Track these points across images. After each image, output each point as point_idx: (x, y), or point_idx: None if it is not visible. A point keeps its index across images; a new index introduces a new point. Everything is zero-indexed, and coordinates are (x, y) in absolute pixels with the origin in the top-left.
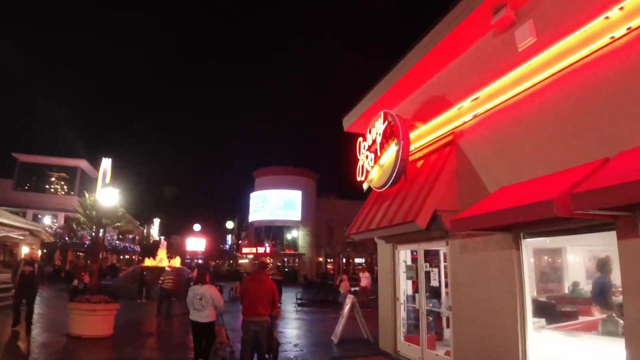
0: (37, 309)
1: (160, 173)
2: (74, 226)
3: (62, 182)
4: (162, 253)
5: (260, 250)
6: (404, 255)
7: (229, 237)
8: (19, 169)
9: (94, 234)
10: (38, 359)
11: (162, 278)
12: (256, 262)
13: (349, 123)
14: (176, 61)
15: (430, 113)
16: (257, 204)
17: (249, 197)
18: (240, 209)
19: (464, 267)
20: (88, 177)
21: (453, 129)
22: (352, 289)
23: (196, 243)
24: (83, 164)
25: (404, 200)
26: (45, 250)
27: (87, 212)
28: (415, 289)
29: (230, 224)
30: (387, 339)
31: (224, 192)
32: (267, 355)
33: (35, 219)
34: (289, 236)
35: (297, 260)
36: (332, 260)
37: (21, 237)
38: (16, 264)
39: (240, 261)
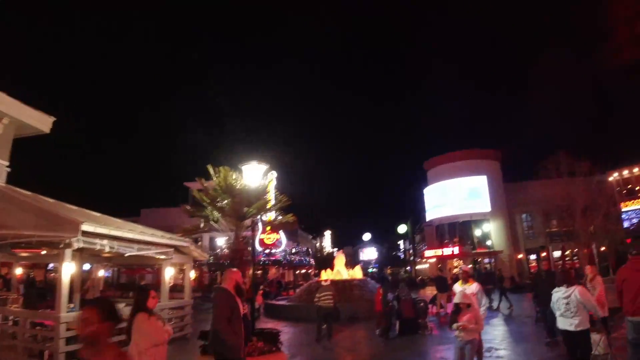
0: None
1: (324, 186)
2: (201, 224)
3: None
4: (339, 264)
5: (447, 251)
6: None
7: (401, 243)
8: (192, 196)
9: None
10: None
11: (317, 295)
12: (633, 251)
13: None
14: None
15: None
16: (433, 199)
17: (421, 195)
18: (412, 210)
19: None
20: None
21: None
22: None
23: (368, 252)
24: None
25: None
26: (211, 270)
27: (217, 202)
28: None
29: (402, 228)
30: None
31: (391, 197)
32: None
33: (212, 242)
34: (478, 232)
35: (492, 259)
36: (534, 256)
37: (163, 256)
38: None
39: (419, 267)
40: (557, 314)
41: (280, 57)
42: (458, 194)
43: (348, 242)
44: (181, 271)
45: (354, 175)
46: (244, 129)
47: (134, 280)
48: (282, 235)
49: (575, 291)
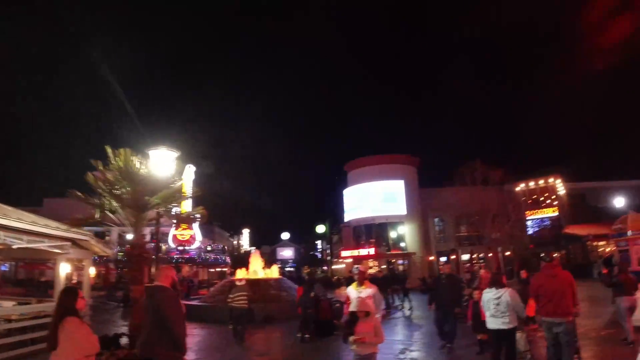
0: None
1: (246, 184)
2: (96, 214)
3: None
4: (256, 263)
5: (363, 252)
6: None
7: (319, 243)
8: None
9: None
10: None
11: (231, 295)
12: (543, 255)
13: None
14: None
15: None
16: (352, 200)
17: (341, 196)
18: (331, 211)
19: None
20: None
21: None
22: None
23: (286, 251)
24: None
25: None
26: (118, 267)
27: (116, 188)
28: None
29: (321, 228)
30: None
31: (312, 197)
32: None
33: (122, 237)
34: (393, 234)
35: (405, 260)
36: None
37: (57, 250)
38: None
39: (335, 267)
40: (488, 314)
41: (204, 52)
42: (376, 197)
43: (266, 241)
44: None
45: (275, 175)
46: (165, 124)
47: (32, 276)
48: (197, 232)
49: (506, 293)
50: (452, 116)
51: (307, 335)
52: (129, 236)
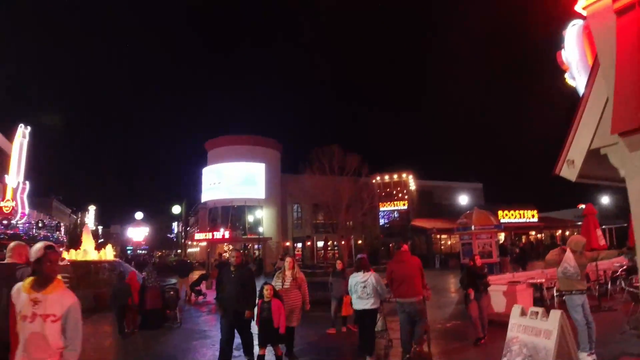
0: None
1: (98, 155)
2: None
3: None
4: (87, 242)
5: (217, 235)
6: None
7: (175, 224)
8: None
9: None
10: None
11: None
12: (394, 244)
13: None
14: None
15: None
16: (211, 180)
17: (200, 175)
18: (188, 192)
19: None
20: (3, 153)
21: None
22: None
23: (138, 232)
24: None
25: None
26: None
27: None
28: None
29: (177, 209)
30: None
31: (169, 175)
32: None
33: None
34: (250, 218)
35: (261, 245)
36: (300, 244)
37: None
38: None
39: (191, 250)
40: (354, 296)
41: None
42: (235, 178)
43: (118, 220)
44: None
45: (132, 150)
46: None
47: None
48: (22, 204)
49: (372, 277)
50: (320, 106)
51: (126, 330)
52: None
